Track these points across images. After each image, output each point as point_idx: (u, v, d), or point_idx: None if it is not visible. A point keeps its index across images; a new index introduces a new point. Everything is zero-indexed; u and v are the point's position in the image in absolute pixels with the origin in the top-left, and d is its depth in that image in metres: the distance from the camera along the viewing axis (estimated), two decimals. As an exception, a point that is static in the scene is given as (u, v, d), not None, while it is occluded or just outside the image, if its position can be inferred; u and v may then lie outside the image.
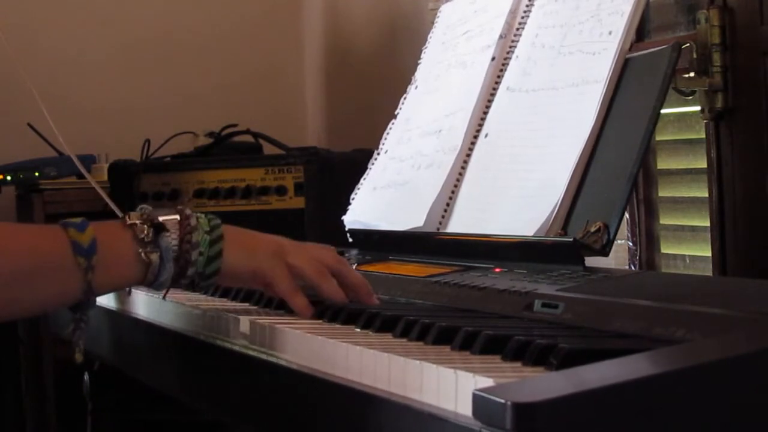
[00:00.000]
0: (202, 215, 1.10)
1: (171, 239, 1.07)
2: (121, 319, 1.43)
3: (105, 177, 2.21)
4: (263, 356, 1.03)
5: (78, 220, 1.05)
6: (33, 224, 1.09)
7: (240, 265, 1.11)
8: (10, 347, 2.42)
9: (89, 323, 1.10)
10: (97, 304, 1.47)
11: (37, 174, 2.40)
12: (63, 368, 2.29)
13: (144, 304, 1.37)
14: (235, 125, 2.36)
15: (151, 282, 1.08)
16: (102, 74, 2.76)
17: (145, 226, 1.06)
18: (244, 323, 1.11)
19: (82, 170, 1.98)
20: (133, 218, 1.07)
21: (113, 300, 1.47)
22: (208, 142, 2.38)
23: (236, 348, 1.09)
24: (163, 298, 1.24)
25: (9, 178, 2.41)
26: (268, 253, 1.13)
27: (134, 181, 2.14)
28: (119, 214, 1.95)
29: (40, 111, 2.04)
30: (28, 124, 2.41)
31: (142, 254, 1.06)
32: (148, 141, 2.39)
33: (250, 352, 1.06)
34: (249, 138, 2.34)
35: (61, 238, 1.03)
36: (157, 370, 1.37)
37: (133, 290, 1.25)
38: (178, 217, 1.08)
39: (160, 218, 1.08)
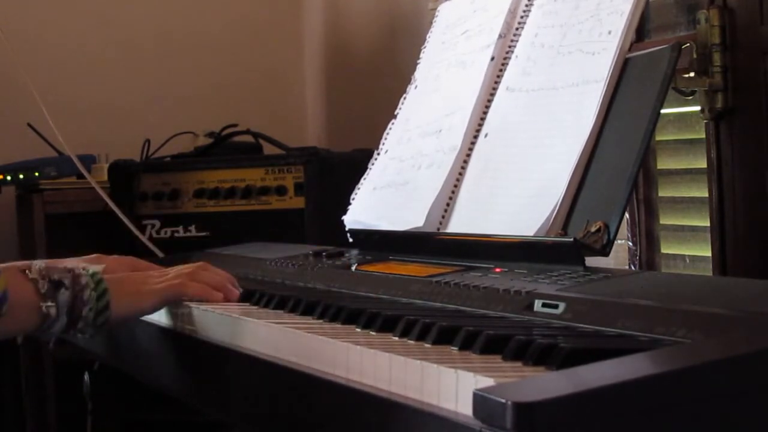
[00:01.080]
0: (87, 272, 1.21)
1: (66, 296, 1.18)
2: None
3: (105, 177, 2.21)
4: (262, 356, 1.04)
5: None
6: None
7: (125, 312, 1.24)
8: (10, 347, 2.42)
9: None
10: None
11: (37, 174, 2.40)
12: (63, 368, 2.29)
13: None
14: (235, 125, 2.37)
15: (42, 332, 1.19)
16: (102, 74, 2.76)
17: (45, 281, 1.18)
18: (243, 323, 1.11)
19: (83, 170, 1.99)
20: (34, 273, 1.18)
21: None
22: (208, 142, 2.38)
23: (235, 348, 1.10)
24: (50, 345, 1.43)
25: (9, 178, 2.40)
26: (152, 290, 1.26)
27: (134, 181, 2.14)
28: (120, 214, 1.96)
29: (40, 111, 2.05)
30: (28, 124, 2.41)
31: (43, 307, 1.17)
32: (148, 141, 2.39)
33: (249, 352, 1.06)
34: (249, 138, 2.34)
35: None
36: (154, 370, 1.37)
37: None
38: (70, 275, 1.19)
39: (56, 276, 1.18)
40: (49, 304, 1.17)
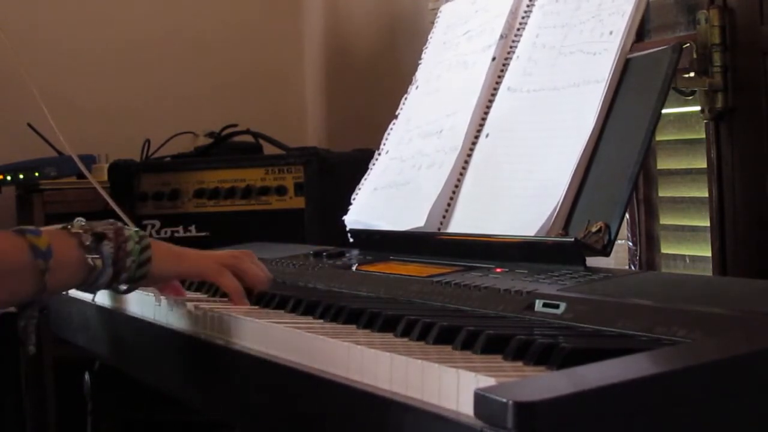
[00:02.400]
0: (131, 228, 1.24)
1: (110, 247, 1.19)
2: (120, 318, 1.43)
3: (105, 177, 2.21)
4: (263, 356, 1.04)
5: (31, 227, 1.16)
6: None
7: (166, 269, 1.26)
8: (10, 347, 2.42)
9: (39, 319, 1.24)
10: (96, 303, 1.48)
11: (37, 174, 2.40)
12: (63, 368, 2.30)
13: (143, 303, 1.37)
14: (235, 125, 2.37)
15: (90, 284, 1.20)
16: (102, 74, 2.76)
17: (88, 234, 1.19)
18: (244, 323, 1.11)
19: (83, 170, 1.99)
20: (76, 227, 1.20)
21: (112, 300, 1.47)
22: (208, 142, 2.38)
23: (235, 348, 1.10)
24: (93, 300, 1.43)
25: (9, 178, 2.41)
26: (190, 258, 1.29)
27: (134, 181, 2.14)
28: (120, 213, 1.97)
29: (40, 111, 2.05)
30: (28, 124, 2.42)
31: (89, 260, 1.18)
32: (148, 141, 2.39)
33: (250, 352, 1.06)
34: (249, 138, 2.34)
35: (20, 242, 1.14)
36: (156, 370, 1.37)
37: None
38: (113, 227, 1.21)
39: (100, 228, 1.20)
40: (95, 256, 1.18)
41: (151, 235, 2.08)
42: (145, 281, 1.24)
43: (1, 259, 1.13)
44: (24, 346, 1.26)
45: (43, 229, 1.18)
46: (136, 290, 1.38)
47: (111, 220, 1.23)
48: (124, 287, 1.23)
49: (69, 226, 1.20)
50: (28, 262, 1.13)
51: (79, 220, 1.21)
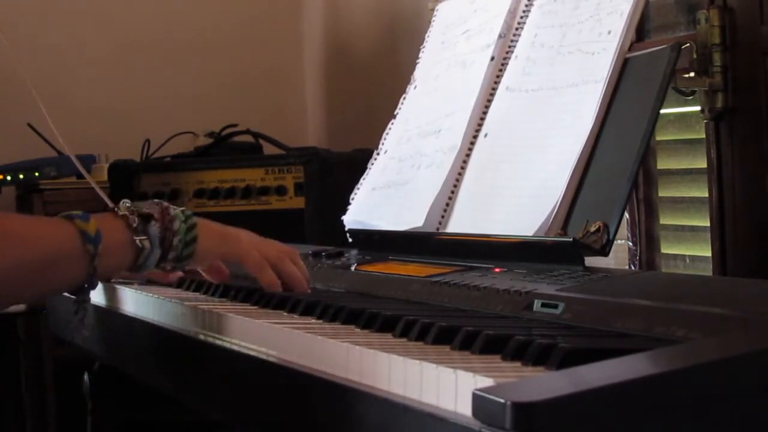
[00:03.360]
0: (176, 208, 1.24)
1: (157, 228, 1.20)
2: (118, 318, 1.43)
3: (105, 177, 2.22)
4: (262, 356, 1.04)
5: (79, 212, 1.16)
6: (37, 215, 1.19)
7: (212, 249, 1.26)
8: (10, 347, 2.42)
9: (88, 310, 1.24)
10: (93, 303, 1.48)
11: (37, 174, 2.40)
12: (63, 368, 2.30)
13: (141, 303, 1.37)
14: (235, 125, 2.37)
15: (138, 266, 1.20)
16: (102, 74, 2.76)
17: (135, 216, 1.19)
18: (243, 323, 1.11)
19: (82, 170, 1.98)
20: (122, 210, 1.20)
21: (109, 299, 1.47)
22: (208, 142, 2.38)
23: (235, 347, 1.10)
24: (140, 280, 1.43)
25: (9, 178, 2.41)
26: (237, 239, 1.28)
27: (134, 181, 2.14)
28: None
29: (40, 111, 2.04)
30: (28, 124, 2.42)
31: (137, 241, 1.19)
32: (148, 141, 2.39)
33: (249, 352, 1.06)
34: (249, 138, 2.34)
35: (70, 228, 1.14)
36: (154, 370, 1.37)
37: (129, 289, 1.37)
38: (158, 207, 1.21)
39: (145, 209, 1.21)
40: (143, 237, 1.19)
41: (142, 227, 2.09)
42: (191, 260, 1.24)
43: (52, 247, 1.14)
44: (77, 333, 1.32)
45: (94, 215, 1.18)
46: (136, 289, 1.39)
47: (156, 200, 1.23)
48: (172, 265, 1.23)
49: (116, 209, 1.20)
50: (79, 249, 1.14)
51: (125, 202, 1.22)
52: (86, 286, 1.17)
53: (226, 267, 1.34)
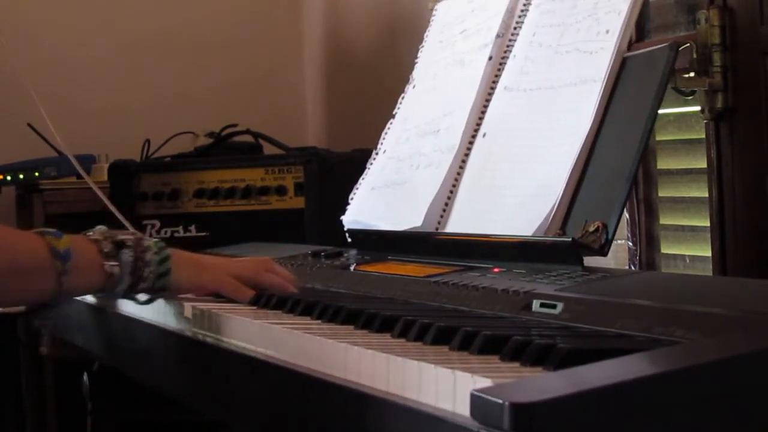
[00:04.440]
0: (151, 238, 1.24)
1: (129, 255, 1.20)
2: (118, 319, 1.43)
3: (105, 177, 2.21)
4: (261, 356, 1.03)
5: (53, 230, 1.18)
6: (9, 227, 1.19)
7: (185, 281, 1.26)
8: (10, 347, 2.41)
9: (55, 321, 1.29)
10: (94, 304, 1.48)
11: (37, 174, 2.40)
12: (63, 368, 2.29)
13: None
14: (235, 125, 2.36)
15: (108, 291, 1.21)
16: (102, 74, 2.76)
17: (108, 242, 1.20)
18: (242, 324, 1.11)
19: (80, 170, 1.98)
20: (96, 234, 1.21)
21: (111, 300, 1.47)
22: (208, 142, 2.38)
23: (234, 348, 1.09)
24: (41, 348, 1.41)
25: (9, 178, 2.41)
26: (209, 269, 1.29)
27: (134, 181, 2.14)
28: (117, 214, 1.96)
29: (40, 111, 2.04)
30: (28, 124, 2.41)
31: (106, 266, 1.19)
32: (148, 141, 2.39)
33: (248, 353, 1.06)
34: (249, 138, 2.34)
35: (41, 242, 1.16)
36: (153, 370, 1.37)
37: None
38: (133, 237, 1.22)
39: (119, 237, 1.22)
40: (113, 263, 1.20)
41: (150, 235, 2.09)
42: (165, 293, 1.24)
43: (21, 257, 1.15)
44: (38, 346, 1.32)
45: (67, 235, 1.19)
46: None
47: (132, 231, 1.25)
48: (144, 298, 1.23)
49: (90, 233, 1.21)
50: (47, 263, 1.15)
51: (100, 227, 1.22)
52: (50, 303, 1.19)
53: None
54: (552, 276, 1.12)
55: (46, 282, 1.15)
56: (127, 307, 1.40)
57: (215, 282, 1.28)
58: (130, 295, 1.23)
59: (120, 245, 1.20)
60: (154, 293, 1.23)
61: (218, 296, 1.31)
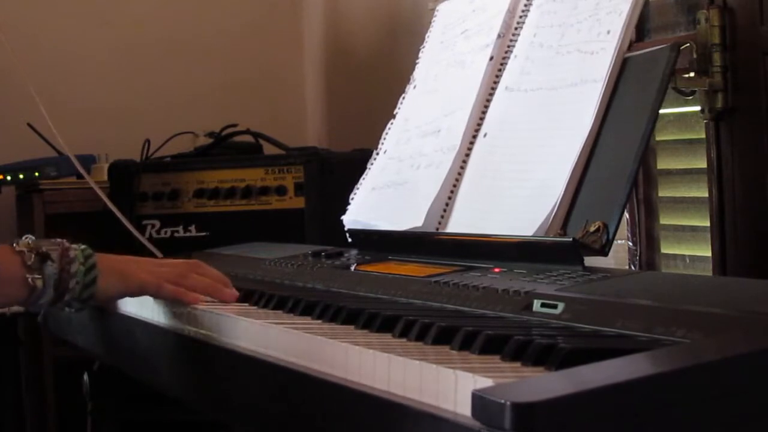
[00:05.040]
0: (78, 247, 1.23)
1: (53, 268, 1.20)
2: (118, 319, 1.43)
3: (105, 177, 2.21)
4: (261, 356, 1.03)
5: None
6: None
7: (112, 289, 1.26)
8: (10, 347, 2.42)
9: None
10: (96, 304, 1.47)
11: (37, 174, 2.40)
12: (63, 368, 2.29)
13: (141, 304, 1.37)
14: (235, 125, 2.36)
15: (31, 304, 1.21)
16: (102, 74, 2.76)
17: (32, 254, 1.20)
18: (242, 324, 1.11)
19: (81, 170, 1.98)
20: (21, 246, 1.20)
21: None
22: (208, 142, 2.38)
23: (234, 348, 1.10)
24: (39, 319, 1.43)
25: (9, 178, 2.41)
26: (136, 274, 1.28)
27: (134, 181, 2.14)
28: (118, 214, 1.96)
29: (40, 111, 2.04)
30: (28, 124, 2.41)
31: (29, 279, 1.19)
32: (148, 141, 2.39)
33: (249, 352, 1.06)
34: (249, 138, 2.34)
35: None
36: (153, 370, 1.37)
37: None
38: (59, 248, 1.21)
39: (44, 248, 1.20)
40: (36, 276, 1.19)
41: (150, 236, 2.10)
42: (92, 300, 1.25)
43: None
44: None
45: None
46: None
47: (58, 240, 1.23)
48: (75, 306, 1.23)
49: (15, 244, 1.21)
50: None
51: (28, 237, 1.22)
52: None
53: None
54: (553, 276, 1.12)
55: None
56: (127, 307, 1.40)
57: (143, 286, 1.28)
58: (55, 306, 1.22)
59: (44, 257, 1.20)
60: (81, 303, 1.23)
61: None
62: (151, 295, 1.29)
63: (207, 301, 1.29)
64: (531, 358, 0.81)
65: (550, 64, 1.39)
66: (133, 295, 1.31)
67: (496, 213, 1.36)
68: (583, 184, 1.26)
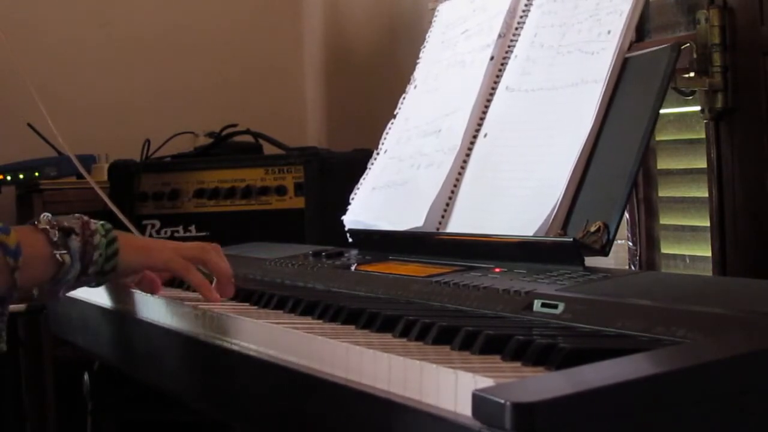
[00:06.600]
0: (98, 222, 1.24)
1: (77, 241, 1.21)
2: (119, 319, 1.43)
3: (105, 177, 2.21)
4: (262, 356, 1.04)
5: (1, 224, 1.17)
6: None
7: (133, 261, 1.27)
8: (10, 347, 2.41)
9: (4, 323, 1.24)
10: (96, 304, 1.48)
11: (37, 174, 2.40)
12: (63, 368, 2.29)
13: (143, 303, 1.37)
14: (235, 125, 2.36)
15: (57, 281, 1.21)
16: (102, 74, 2.76)
17: (55, 230, 1.20)
18: (243, 324, 1.11)
19: (81, 170, 1.98)
20: (43, 223, 1.21)
21: (112, 300, 1.47)
22: (208, 142, 2.38)
23: (235, 348, 1.10)
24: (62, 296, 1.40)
25: (9, 178, 2.41)
26: (159, 249, 1.30)
27: (134, 181, 2.14)
28: (119, 214, 1.97)
29: (40, 111, 2.04)
30: (28, 124, 2.41)
31: (57, 255, 1.19)
32: (148, 141, 2.39)
33: (250, 353, 1.06)
34: (249, 138, 2.34)
35: None
36: (155, 370, 1.37)
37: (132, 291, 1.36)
38: (79, 221, 1.22)
39: (66, 223, 1.21)
40: (62, 251, 1.20)
41: (150, 236, 2.10)
42: (113, 274, 1.25)
43: None
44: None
45: (15, 227, 1.19)
46: (136, 289, 1.38)
47: (77, 215, 1.24)
48: (96, 280, 1.24)
49: (36, 222, 1.21)
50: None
51: (46, 215, 1.22)
52: (5, 298, 1.18)
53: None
54: (553, 276, 1.12)
55: (0, 280, 1.15)
56: (130, 307, 1.40)
57: (164, 261, 1.28)
58: (80, 279, 1.22)
59: (68, 232, 1.21)
60: (104, 276, 1.24)
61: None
62: (177, 274, 1.30)
63: (210, 302, 1.29)
64: (531, 358, 0.81)
65: (551, 64, 1.39)
66: (155, 268, 1.31)
67: (496, 213, 1.36)
68: (584, 184, 1.26)
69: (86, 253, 1.21)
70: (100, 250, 1.22)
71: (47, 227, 1.20)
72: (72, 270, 1.21)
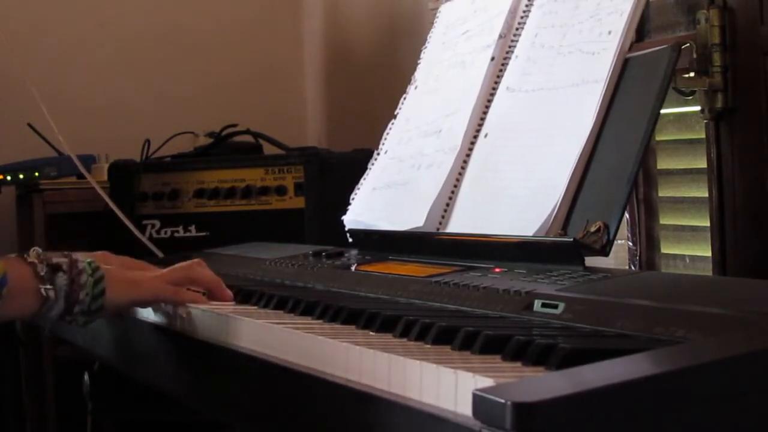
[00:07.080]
0: (85, 260, 1.23)
1: (64, 279, 1.20)
2: (120, 319, 1.43)
3: (105, 177, 2.21)
4: (262, 356, 1.04)
5: None
6: None
7: (120, 299, 1.25)
8: (10, 347, 2.42)
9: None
10: (103, 316, 1.47)
11: (37, 174, 2.40)
12: (63, 368, 2.30)
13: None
14: (235, 125, 2.36)
15: (41, 316, 1.20)
16: (102, 74, 2.76)
17: (43, 265, 1.20)
18: (243, 324, 1.11)
19: (82, 170, 1.98)
20: (32, 257, 1.20)
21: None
22: (208, 142, 2.38)
23: (235, 348, 1.10)
24: (46, 333, 1.38)
25: (9, 178, 2.41)
26: (143, 283, 1.28)
27: (134, 181, 2.14)
28: (119, 214, 1.97)
29: (40, 111, 2.05)
30: (28, 124, 2.41)
31: (42, 290, 1.19)
32: (148, 141, 2.39)
33: (250, 353, 1.06)
34: (249, 138, 2.34)
35: None
36: (154, 371, 1.37)
37: None
38: (67, 260, 1.21)
39: (54, 260, 1.21)
40: (48, 286, 1.19)
41: (150, 236, 2.10)
42: (100, 313, 1.24)
43: None
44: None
45: (2, 257, 1.18)
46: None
47: (65, 252, 1.23)
48: (82, 320, 1.22)
49: (25, 255, 1.20)
50: None
51: (36, 249, 1.22)
52: None
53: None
54: (553, 276, 1.12)
55: None
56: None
57: (152, 293, 1.27)
58: (65, 318, 1.21)
59: (55, 268, 1.20)
60: (90, 315, 1.23)
61: None
62: (168, 302, 1.28)
63: (210, 302, 1.29)
64: (531, 358, 0.81)
65: (552, 65, 1.40)
66: (145, 303, 1.30)
67: (496, 213, 1.36)
68: (584, 184, 1.26)
69: (72, 292, 1.20)
70: (86, 290, 1.21)
71: (35, 261, 1.20)
72: (56, 307, 1.20)
